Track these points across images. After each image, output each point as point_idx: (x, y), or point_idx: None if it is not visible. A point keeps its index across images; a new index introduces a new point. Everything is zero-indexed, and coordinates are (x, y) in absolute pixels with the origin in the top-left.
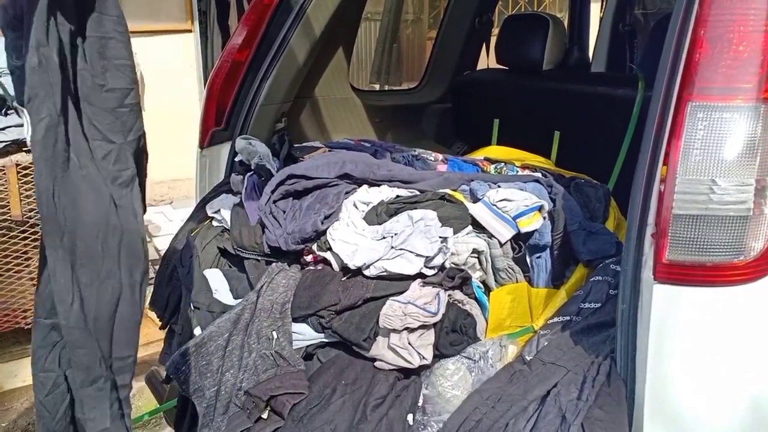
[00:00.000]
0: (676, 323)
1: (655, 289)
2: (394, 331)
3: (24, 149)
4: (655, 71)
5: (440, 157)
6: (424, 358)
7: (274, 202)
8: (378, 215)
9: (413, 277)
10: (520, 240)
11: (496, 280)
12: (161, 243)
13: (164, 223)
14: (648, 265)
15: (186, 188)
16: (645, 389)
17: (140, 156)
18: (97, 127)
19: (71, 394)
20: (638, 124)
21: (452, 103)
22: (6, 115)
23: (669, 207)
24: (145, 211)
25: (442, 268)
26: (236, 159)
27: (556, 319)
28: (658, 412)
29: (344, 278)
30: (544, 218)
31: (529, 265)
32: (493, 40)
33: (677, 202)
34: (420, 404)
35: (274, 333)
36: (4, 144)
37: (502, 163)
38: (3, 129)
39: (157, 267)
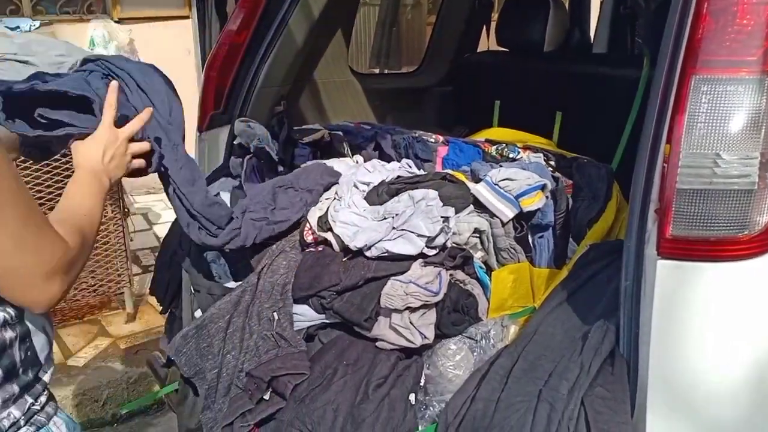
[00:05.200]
0: (679, 299)
1: (658, 265)
2: (396, 310)
3: None
4: (657, 51)
5: (441, 138)
6: (425, 337)
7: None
8: (379, 195)
9: (415, 258)
10: (523, 219)
11: (497, 260)
12: (161, 230)
13: (164, 211)
14: (651, 241)
15: None
16: (648, 366)
17: None
18: None
19: None
20: (643, 101)
21: (453, 85)
22: None
23: (673, 182)
24: None
25: (443, 247)
26: (235, 142)
27: (557, 296)
28: (660, 388)
29: (345, 259)
30: (547, 197)
31: (531, 245)
32: (494, 23)
33: (681, 177)
34: (422, 384)
35: (275, 314)
36: None
37: (504, 144)
38: None
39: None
